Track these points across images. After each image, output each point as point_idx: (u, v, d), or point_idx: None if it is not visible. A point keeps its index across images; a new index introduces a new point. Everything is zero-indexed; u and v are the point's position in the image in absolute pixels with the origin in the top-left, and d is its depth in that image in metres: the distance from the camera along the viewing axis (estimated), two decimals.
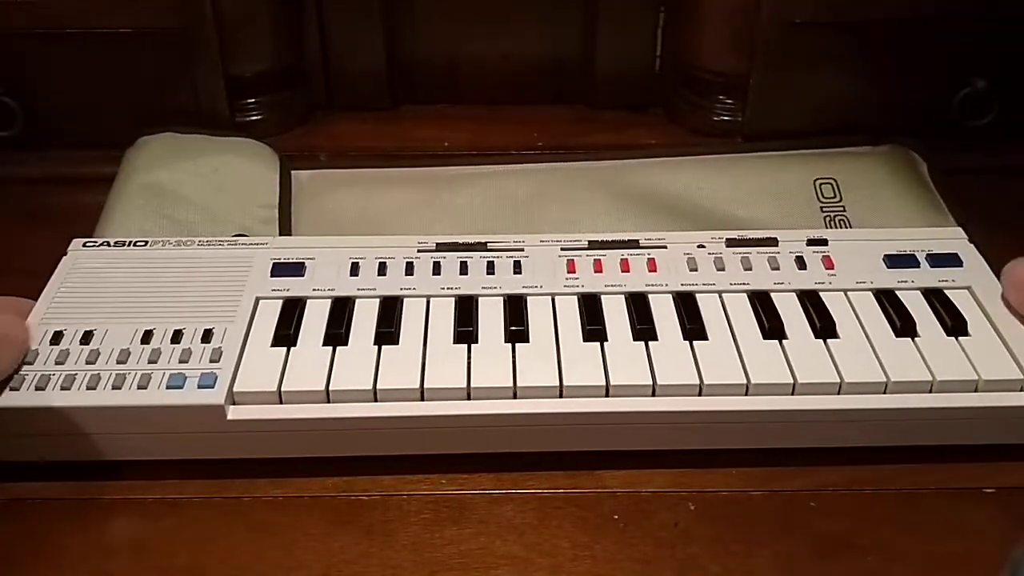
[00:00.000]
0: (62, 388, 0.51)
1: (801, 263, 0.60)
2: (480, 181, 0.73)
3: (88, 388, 0.51)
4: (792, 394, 0.52)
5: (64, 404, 0.51)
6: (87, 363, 0.53)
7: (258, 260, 0.60)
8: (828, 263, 0.60)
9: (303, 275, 0.59)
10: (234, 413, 0.51)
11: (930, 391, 0.52)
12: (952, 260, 0.60)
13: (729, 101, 0.79)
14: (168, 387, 0.51)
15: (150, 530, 0.50)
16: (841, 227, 0.69)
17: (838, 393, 0.52)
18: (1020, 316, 0.55)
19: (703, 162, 0.74)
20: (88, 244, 0.61)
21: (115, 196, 0.69)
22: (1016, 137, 0.76)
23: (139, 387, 0.51)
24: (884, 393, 0.52)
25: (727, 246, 0.62)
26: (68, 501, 0.51)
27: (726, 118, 0.79)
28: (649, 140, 0.80)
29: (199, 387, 0.51)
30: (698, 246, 0.62)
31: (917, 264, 0.60)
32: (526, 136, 0.79)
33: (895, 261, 0.60)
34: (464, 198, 0.72)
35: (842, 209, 0.71)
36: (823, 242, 0.62)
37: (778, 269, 0.60)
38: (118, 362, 0.53)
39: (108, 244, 0.62)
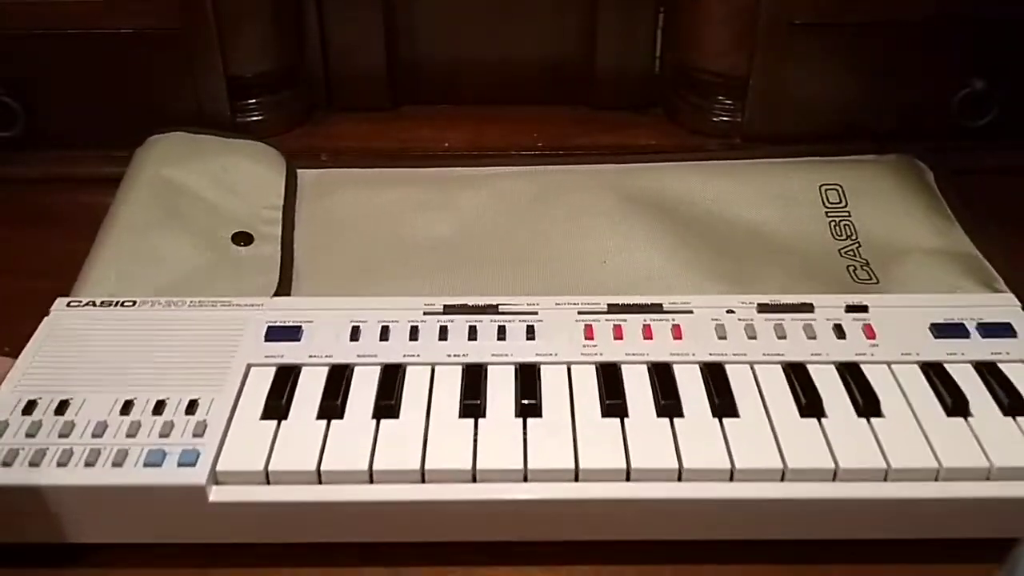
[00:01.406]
0: (30, 464, 0.47)
1: (840, 332, 0.55)
2: (484, 182, 0.73)
3: (59, 465, 0.47)
4: (833, 480, 0.47)
5: (32, 482, 0.46)
6: (60, 436, 0.48)
7: (252, 323, 0.56)
8: (869, 332, 0.55)
9: (299, 339, 0.55)
10: (216, 495, 0.47)
11: (987, 478, 0.47)
12: (1005, 330, 0.55)
13: (729, 101, 0.78)
14: (146, 464, 0.47)
15: None
16: (846, 232, 0.69)
17: (884, 480, 0.47)
18: None
19: (708, 166, 0.74)
20: (72, 304, 0.57)
21: (124, 191, 0.69)
22: (1016, 137, 0.76)
23: (114, 464, 0.47)
24: (936, 480, 0.47)
25: (759, 312, 0.57)
26: None
27: (726, 118, 0.78)
28: (649, 140, 0.80)
29: (179, 465, 0.47)
30: (727, 311, 0.57)
31: (967, 334, 0.55)
32: (526, 136, 0.78)
33: (943, 331, 0.55)
34: (468, 199, 0.71)
35: (847, 215, 0.69)
36: (863, 308, 0.57)
37: (815, 338, 0.55)
38: (93, 435, 0.48)
39: (93, 304, 0.58)
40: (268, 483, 0.47)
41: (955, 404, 0.51)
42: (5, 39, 0.68)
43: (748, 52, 0.71)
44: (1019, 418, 0.50)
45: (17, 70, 0.66)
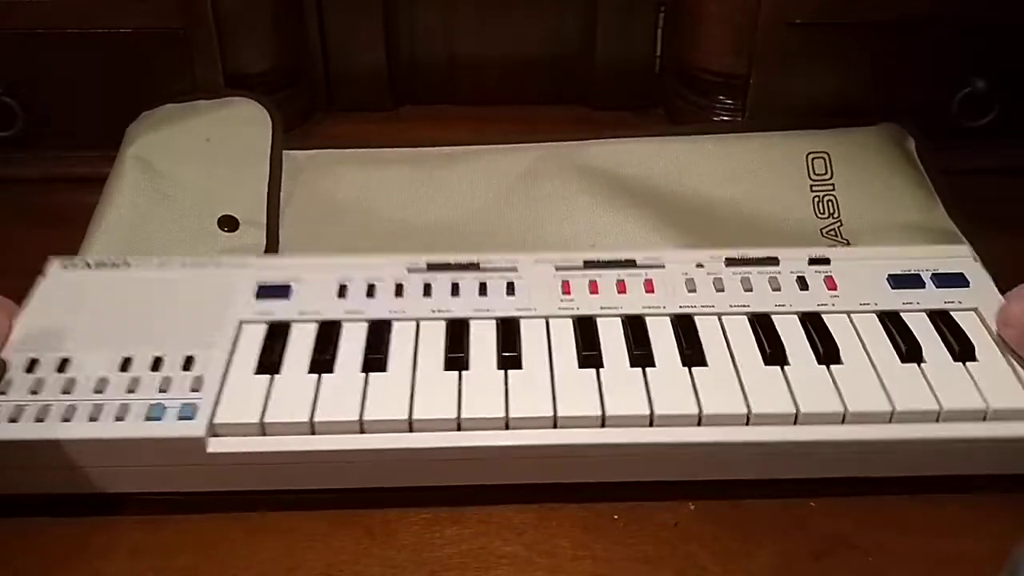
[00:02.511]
0: (36, 420, 0.49)
1: (803, 283, 0.58)
2: (475, 159, 0.73)
3: (64, 419, 0.49)
4: (795, 423, 0.50)
5: (37, 437, 0.49)
6: (63, 393, 0.51)
7: (243, 282, 0.58)
8: (831, 283, 0.58)
9: (289, 298, 0.57)
10: (214, 446, 0.49)
11: (937, 420, 0.51)
12: (958, 280, 0.59)
13: (729, 101, 0.78)
14: (147, 418, 0.49)
15: (150, 529, 0.49)
16: (828, 210, 0.69)
17: (842, 423, 0.50)
18: (1016, 354, 0.53)
19: (698, 140, 0.74)
20: (67, 265, 0.59)
21: (113, 172, 0.69)
22: (1016, 137, 0.76)
23: (117, 418, 0.49)
24: (889, 423, 0.51)
25: (727, 265, 0.60)
26: (66, 499, 0.50)
27: (726, 118, 0.78)
28: None
29: (179, 418, 0.49)
30: (697, 265, 0.60)
31: (922, 284, 0.58)
32: (526, 136, 0.78)
33: (900, 281, 0.58)
34: (459, 175, 0.71)
35: (831, 188, 0.70)
36: (825, 261, 0.60)
37: (779, 290, 0.58)
38: (95, 391, 0.51)
39: (88, 265, 0.60)
40: (264, 434, 0.50)
41: (909, 351, 0.54)
42: (5, 39, 0.67)
43: (748, 52, 0.71)
44: (968, 363, 0.53)
45: (16, 70, 0.65)
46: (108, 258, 0.60)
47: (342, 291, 0.58)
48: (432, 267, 0.59)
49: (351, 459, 0.50)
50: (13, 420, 0.49)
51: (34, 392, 0.51)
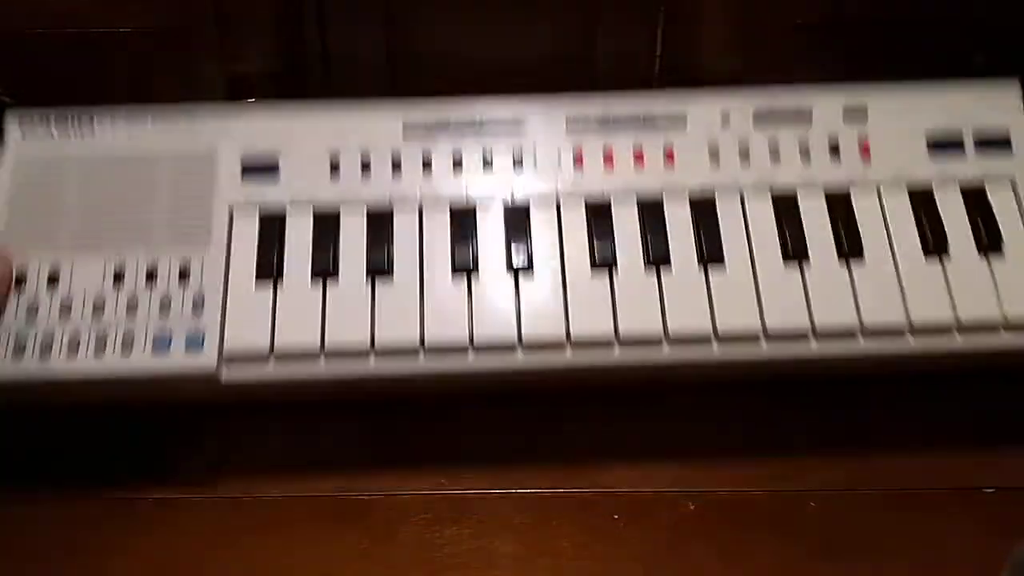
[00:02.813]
0: (40, 357, 0.48)
1: (835, 150, 0.54)
2: None
3: (69, 354, 0.48)
4: (809, 338, 0.50)
5: (45, 376, 0.48)
6: (60, 316, 0.49)
7: (224, 154, 0.53)
8: (864, 149, 0.54)
9: (277, 176, 0.53)
10: (228, 375, 0.49)
11: (954, 331, 0.50)
12: (1001, 144, 0.54)
13: None
14: (154, 350, 0.48)
15: (150, 529, 0.49)
16: None
17: (857, 334, 0.50)
18: None
19: None
20: (24, 124, 0.54)
21: None
22: None
23: (122, 351, 0.48)
24: (904, 335, 0.50)
25: (755, 123, 0.55)
26: (66, 500, 0.50)
27: None
28: None
29: (187, 349, 0.48)
30: (722, 119, 0.55)
31: (962, 149, 0.54)
32: None
33: (939, 144, 0.54)
34: None
35: None
36: (863, 114, 0.55)
37: (808, 160, 0.54)
38: (94, 311, 0.49)
39: (49, 122, 0.54)
40: (275, 359, 0.49)
41: (935, 242, 0.52)
42: (5, 39, 0.61)
43: (748, 52, 0.64)
44: (993, 257, 0.52)
45: (16, 70, 0.60)
46: (69, 113, 0.54)
47: (334, 167, 0.53)
48: (430, 127, 0.54)
49: (361, 385, 0.50)
50: (18, 353, 0.48)
51: (31, 317, 0.49)
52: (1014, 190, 0.53)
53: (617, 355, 0.50)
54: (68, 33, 0.60)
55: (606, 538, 0.49)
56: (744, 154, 0.54)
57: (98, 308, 0.49)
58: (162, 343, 0.48)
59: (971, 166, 0.54)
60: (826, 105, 0.55)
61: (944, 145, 0.54)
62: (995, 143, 0.54)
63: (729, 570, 0.48)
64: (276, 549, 0.49)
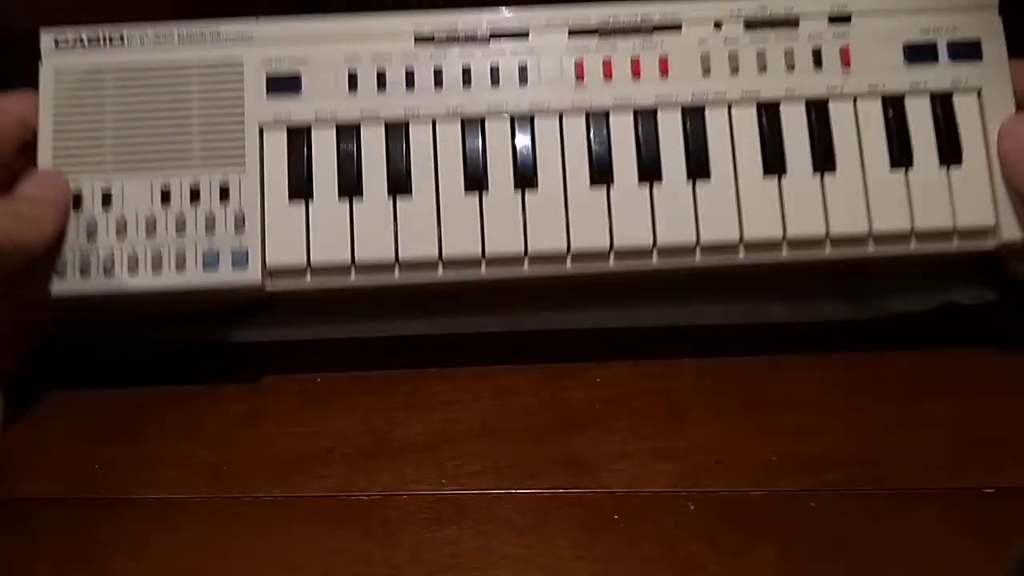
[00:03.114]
0: (104, 272, 0.55)
1: (818, 58, 0.58)
2: None
3: (130, 271, 0.55)
4: (780, 246, 0.57)
5: (110, 290, 0.55)
6: (117, 235, 0.55)
7: (250, 67, 0.57)
8: (846, 58, 0.58)
9: (300, 91, 0.57)
10: (272, 286, 0.56)
11: (909, 237, 0.57)
12: (972, 51, 0.58)
13: None
14: (204, 266, 0.55)
15: (150, 529, 0.51)
16: None
17: (824, 243, 0.57)
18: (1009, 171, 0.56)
19: None
20: (60, 43, 0.57)
21: None
22: None
23: (177, 268, 0.55)
24: (866, 242, 0.57)
25: (745, 29, 0.58)
26: (67, 501, 0.52)
27: None
28: None
29: (234, 266, 0.55)
30: (715, 25, 0.58)
31: (935, 58, 0.58)
32: None
33: (914, 53, 0.58)
34: None
35: None
36: (846, 19, 0.58)
37: (793, 69, 0.58)
38: (147, 234, 0.55)
39: (82, 42, 0.57)
40: (311, 272, 0.56)
41: (900, 153, 0.57)
42: (5, 39, 0.60)
43: None
44: (952, 168, 0.57)
45: (17, 70, 0.57)
46: (101, 32, 0.57)
47: (352, 81, 0.57)
48: (439, 40, 0.58)
49: (389, 292, 0.57)
50: (84, 272, 0.55)
51: (90, 236, 0.55)
52: (979, 101, 0.58)
53: (611, 265, 0.56)
54: None
55: (606, 538, 0.50)
56: (734, 64, 0.58)
57: (150, 227, 0.55)
58: (211, 260, 0.55)
59: (943, 75, 0.58)
60: (812, 8, 0.58)
61: (920, 54, 0.58)
62: (967, 52, 0.58)
63: (729, 570, 0.48)
64: (276, 549, 0.49)
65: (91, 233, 0.55)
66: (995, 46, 0.58)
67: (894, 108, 0.58)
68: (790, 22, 0.58)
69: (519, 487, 0.52)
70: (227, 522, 0.51)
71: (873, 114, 0.58)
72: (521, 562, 0.49)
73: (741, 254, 0.57)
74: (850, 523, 0.50)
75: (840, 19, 0.58)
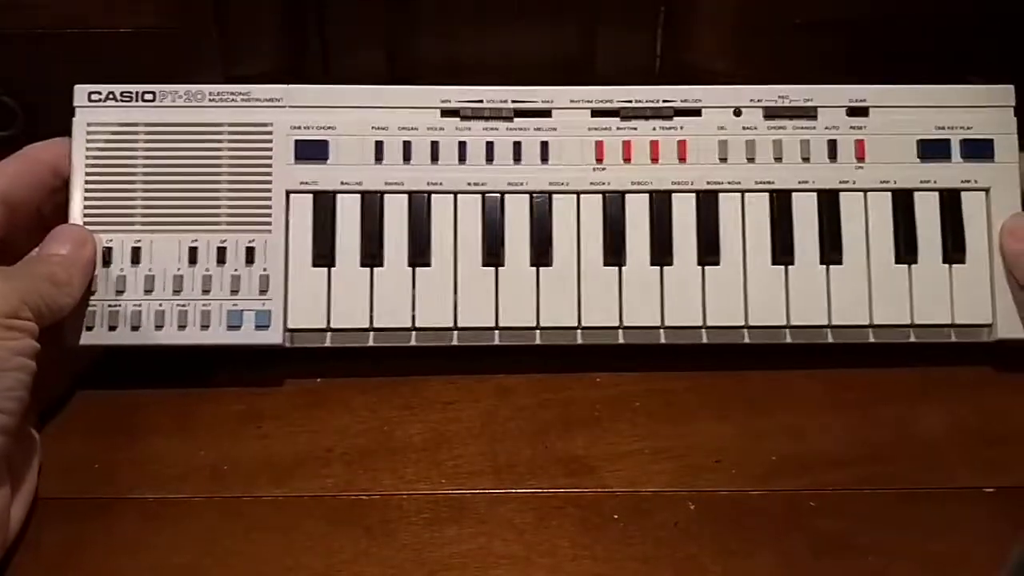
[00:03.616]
0: (132, 328, 0.57)
1: (833, 149, 0.59)
2: None
3: (156, 327, 0.57)
4: (785, 329, 0.59)
5: (136, 343, 0.57)
6: (146, 293, 0.57)
7: (279, 132, 0.58)
8: (860, 150, 0.59)
9: (327, 158, 0.59)
10: (292, 343, 0.58)
11: (908, 328, 0.59)
12: (984, 150, 0.59)
13: None
14: (228, 327, 0.57)
15: (150, 529, 0.51)
16: None
17: (827, 330, 0.59)
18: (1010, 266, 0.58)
19: None
20: (93, 97, 0.58)
21: None
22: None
23: (202, 327, 0.57)
24: (866, 329, 0.59)
25: (765, 118, 0.59)
26: (67, 501, 0.52)
27: None
28: None
29: (256, 327, 0.57)
30: (735, 113, 0.59)
31: (948, 155, 0.59)
32: None
33: (928, 149, 0.59)
34: None
35: None
36: (864, 112, 0.60)
37: (808, 160, 0.59)
38: (174, 292, 0.57)
39: (114, 97, 0.58)
40: (331, 334, 0.58)
41: (906, 250, 0.59)
42: (5, 39, 0.60)
43: (748, 52, 0.64)
44: (955, 267, 0.59)
45: (17, 70, 0.59)
46: (134, 90, 0.58)
47: (379, 151, 0.59)
48: (465, 114, 0.59)
49: (404, 352, 0.59)
50: (112, 328, 0.57)
51: (120, 292, 0.57)
52: (987, 200, 0.59)
53: (620, 339, 0.59)
54: (67, 32, 0.61)
55: (606, 538, 0.50)
56: (750, 152, 0.59)
57: (177, 286, 0.57)
58: (235, 321, 0.57)
59: (953, 173, 0.59)
60: (831, 99, 0.60)
61: (933, 149, 0.59)
62: (979, 151, 0.60)
63: (729, 570, 0.48)
64: (276, 549, 0.49)
65: (120, 290, 0.57)
66: (1007, 145, 0.60)
67: (904, 203, 0.59)
68: (809, 113, 0.59)
69: (519, 487, 0.52)
70: (227, 522, 0.51)
71: (883, 208, 0.59)
72: (521, 562, 0.49)
73: (746, 337, 0.59)
74: (850, 523, 0.50)
75: (858, 112, 0.60)
